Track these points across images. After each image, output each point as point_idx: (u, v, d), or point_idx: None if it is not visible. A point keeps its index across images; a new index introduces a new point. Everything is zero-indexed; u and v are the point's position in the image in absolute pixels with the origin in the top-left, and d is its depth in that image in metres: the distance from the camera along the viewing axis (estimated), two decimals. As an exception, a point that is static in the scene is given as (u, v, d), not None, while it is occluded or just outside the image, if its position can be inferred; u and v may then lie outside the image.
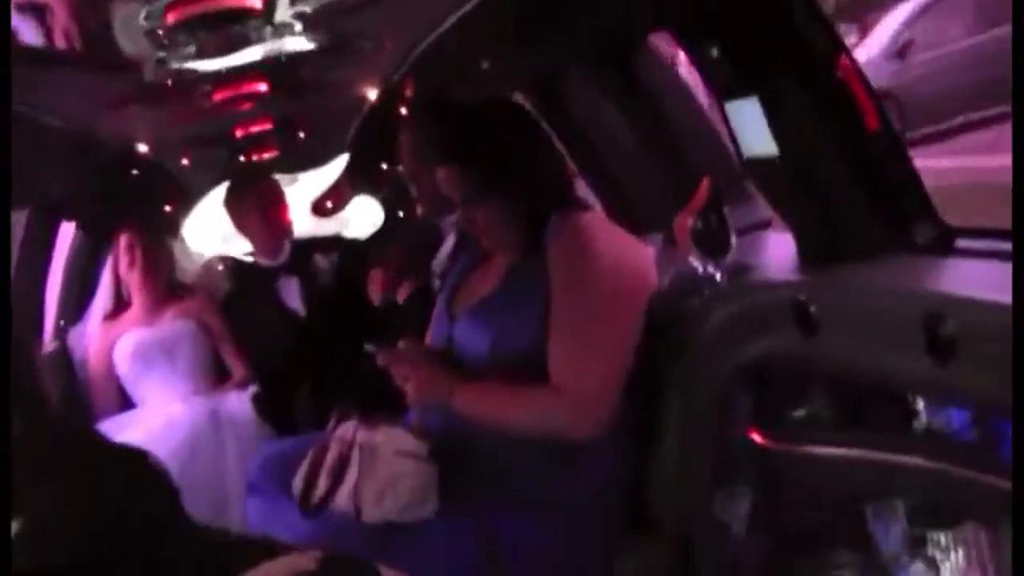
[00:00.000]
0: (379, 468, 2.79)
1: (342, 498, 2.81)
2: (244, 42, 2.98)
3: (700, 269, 2.70)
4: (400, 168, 3.93)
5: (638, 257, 2.79)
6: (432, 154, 3.02)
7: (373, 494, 2.77)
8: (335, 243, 5.16)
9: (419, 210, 3.88)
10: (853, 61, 2.34)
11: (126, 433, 4.27)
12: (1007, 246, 2.20)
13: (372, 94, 4.72)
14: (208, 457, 4.25)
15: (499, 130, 2.84)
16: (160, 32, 2.59)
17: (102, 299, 4.85)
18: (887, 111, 2.39)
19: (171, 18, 2.47)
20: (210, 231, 6.43)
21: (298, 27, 2.93)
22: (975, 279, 2.17)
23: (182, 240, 5.63)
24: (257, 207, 4.78)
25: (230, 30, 2.75)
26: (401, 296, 3.97)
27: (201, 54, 2.99)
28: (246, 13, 2.51)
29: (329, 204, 6.23)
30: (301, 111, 4.95)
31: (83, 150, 4.09)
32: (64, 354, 4.89)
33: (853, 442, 2.40)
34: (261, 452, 3.54)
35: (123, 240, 4.72)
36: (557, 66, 3.77)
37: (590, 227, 2.74)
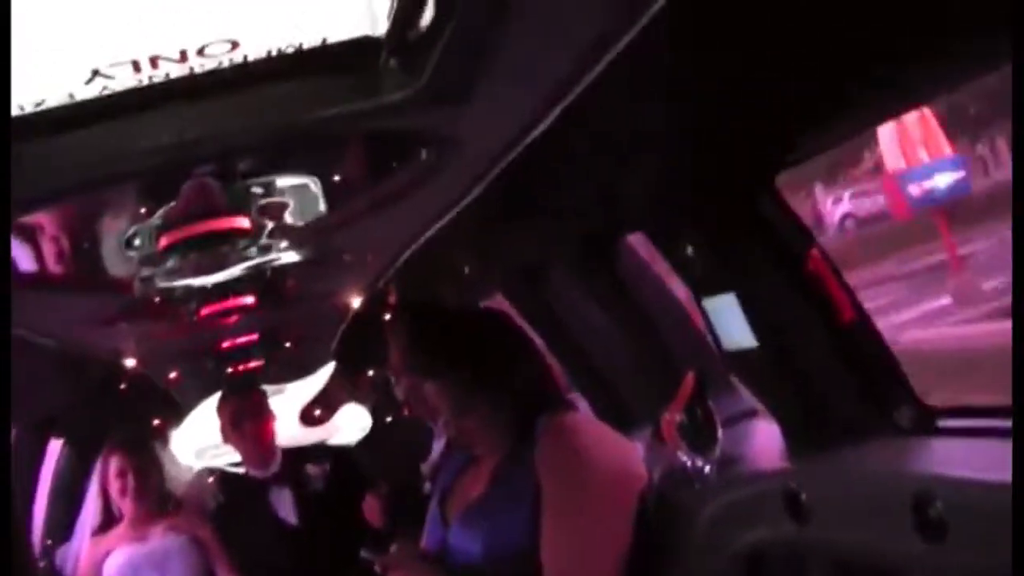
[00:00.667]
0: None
1: None
2: (231, 259, 3.05)
3: (689, 463, 2.73)
4: (387, 373, 3.97)
5: (625, 455, 2.83)
6: (418, 367, 3.08)
7: None
8: (326, 452, 5.18)
9: (407, 412, 3.90)
10: (824, 254, 2.42)
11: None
12: (988, 423, 2.24)
13: (356, 302, 4.79)
14: None
15: (481, 341, 2.91)
16: (150, 254, 2.65)
17: (90, 515, 4.82)
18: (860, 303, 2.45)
19: (163, 242, 2.53)
20: (200, 443, 6.43)
21: (283, 243, 3.00)
22: (959, 458, 2.20)
23: (171, 453, 5.62)
24: (245, 420, 4.80)
25: (219, 250, 2.81)
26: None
27: (189, 272, 3.06)
28: (236, 233, 2.57)
29: (317, 413, 6.26)
30: (287, 322, 5.01)
31: (73, 367, 4.13)
32: (53, 573, 4.84)
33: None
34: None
35: (113, 465, 4.71)
36: (536, 267, 3.85)
37: (576, 428, 2.79)
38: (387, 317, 4.59)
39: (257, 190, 2.57)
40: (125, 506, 4.70)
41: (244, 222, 2.56)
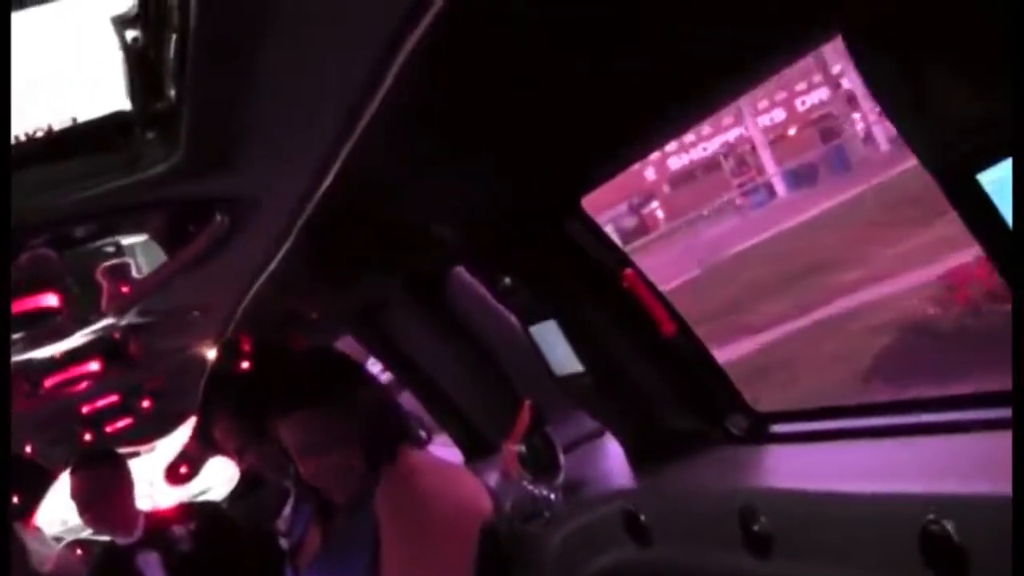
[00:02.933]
0: None
1: None
2: (68, 328, 2.98)
3: (536, 492, 2.70)
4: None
5: (466, 493, 2.79)
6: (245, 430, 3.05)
7: None
8: (190, 511, 5.07)
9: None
10: (639, 272, 2.42)
11: None
12: (819, 426, 2.26)
13: (210, 353, 4.72)
14: None
15: (332, 377, 2.86)
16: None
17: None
18: (679, 314, 2.46)
19: (-23, 323, 2.46)
20: (63, 515, 6.28)
21: (122, 307, 2.95)
22: (788, 466, 2.21)
23: (38, 530, 5.47)
24: (99, 499, 4.68)
25: (40, 327, 2.74)
26: None
27: (29, 345, 2.98)
28: (46, 313, 2.51)
29: (183, 470, 6.13)
30: (143, 380, 4.92)
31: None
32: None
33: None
34: None
35: None
36: (376, 305, 3.82)
37: (415, 469, 2.75)
38: (242, 363, 4.54)
39: (108, 249, 2.52)
40: None
41: (52, 299, 2.50)
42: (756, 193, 32.15)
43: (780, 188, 31.56)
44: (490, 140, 1.99)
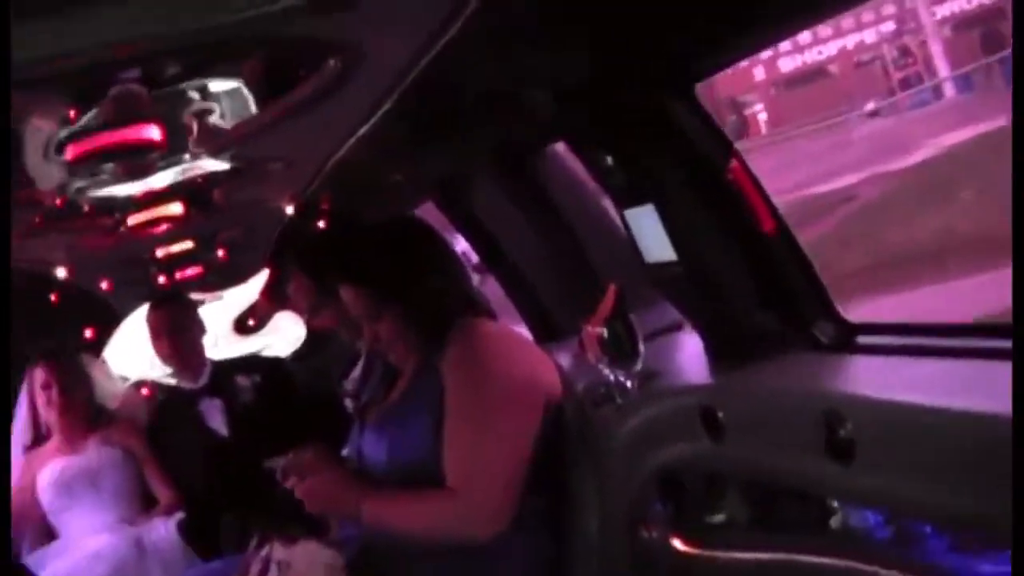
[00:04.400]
0: (296, 582, 2.81)
1: (262, 616, 2.82)
2: (155, 167, 2.99)
3: (611, 377, 2.70)
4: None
5: (533, 364, 2.82)
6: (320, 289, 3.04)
7: (292, 607, 2.78)
8: (256, 363, 5.14)
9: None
10: (744, 164, 2.38)
11: (52, 565, 4.20)
12: (907, 340, 2.23)
13: (289, 209, 4.74)
14: None
15: (391, 249, 2.89)
16: (65, 164, 2.59)
17: (22, 431, 4.77)
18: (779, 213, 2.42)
19: (69, 153, 2.47)
20: (133, 355, 6.37)
21: (208, 151, 2.95)
22: (875, 376, 2.18)
23: (104, 364, 5.55)
24: (175, 332, 4.76)
25: (141, 158, 2.75)
26: None
27: (113, 180, 2.99)
28: (147, 146, 2.51)
29: (251, 322, 6.21)
30: (219, 229, 4.94)
31: (-1, 279, 4.04)
32: (-13, 489, 4.79)
33: (769, 545, 2.39)
34: (191, 577, 3.54)
35: (38, 377, 4.65)
36: (464, 176, 3.80)
37: (483, 336, 2.78)
38: (320, 224, 4.57)
39: (186, 93, 2.51)
40: (52, 418, 4.65)
41: (155, 132, 2.49)
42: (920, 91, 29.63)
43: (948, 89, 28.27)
44: (619, 16, 1.95)
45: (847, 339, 2.37)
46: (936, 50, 30.28)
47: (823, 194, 17.24)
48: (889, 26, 33.58)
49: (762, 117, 35.11)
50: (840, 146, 21.21)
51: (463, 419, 2.68)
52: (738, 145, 2.44)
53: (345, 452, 3.17)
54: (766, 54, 31.91)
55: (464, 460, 2.67)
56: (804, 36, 31.72)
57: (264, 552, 2.97)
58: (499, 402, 2.68)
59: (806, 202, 15.69)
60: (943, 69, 29.61)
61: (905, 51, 33.59)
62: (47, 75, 1.82)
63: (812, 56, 35.53)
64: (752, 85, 35.55)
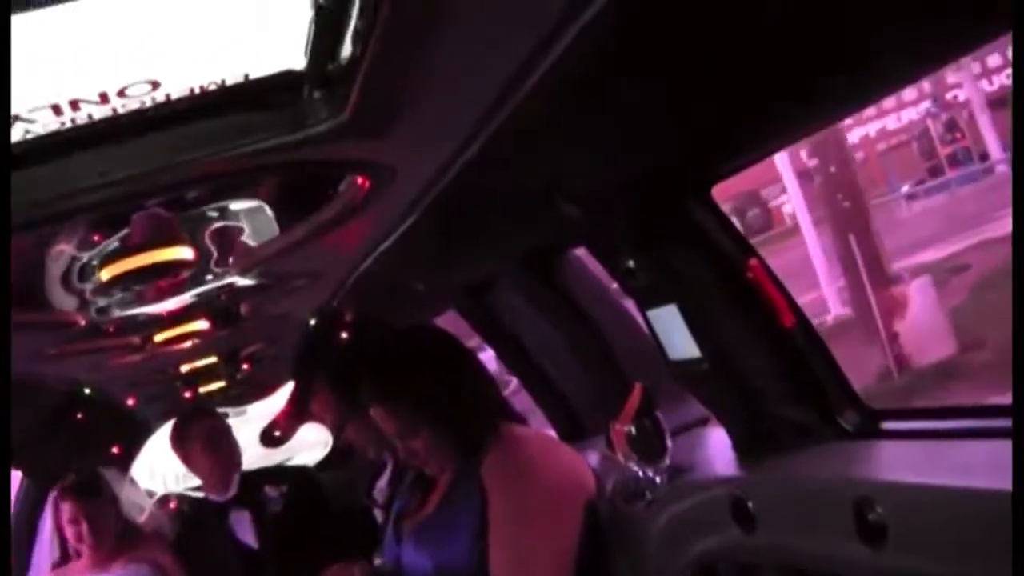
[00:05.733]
0: None
1: None
2: (183, 287, 3.06)
3: (640, 473, 2.74)
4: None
5: (572, 467, 2.86)
6: (345, 405, 3.11)
7: None
8: (283, 473, 5.18)
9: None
10: (762, 262, 2.44)
11: None
12: (931, 425, 2.27)
13: (311, 321, 4.81)
14: None
15: (420, 361, 2.93)
16: (96, 286, 2.66)
17: (47, 551, 4.80)
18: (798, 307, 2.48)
19: (105, 275, 2.54)
20: (160, 468, 6.41)
21: (234, 268, 3.02)
22: (902, 461, 2.22)
23: (132, 482, 5.58)
24: (204, 445, 4.81)
25: (168, 278, 2.82)
26: None
27: (141, 301, 3.06)
28: (178, 265, 2.58)
29: (277, 433, 6.24)
30: (243, 343, 5.02)
31: (28, 399, 4.10)
32: (12, 609, 4.81)
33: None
34: None
35: (65, 512, 4.62)
36: (485, 282, 3.87)
37: (522, 441, 2.82)
38: (342, 335, 4.62)
39: (212, 214, 2.59)
40: (82, 549, 4.66)
41: (187, 252, 2.57)
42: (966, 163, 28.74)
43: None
44: (636, 120, 2.02)
45: (872, 426, 2.41)
46: (984, 122, 28.70)
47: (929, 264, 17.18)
48: (924, 106, 32.77)
49: (787, 209, 34.74)
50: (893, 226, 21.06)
51: (509, 526, 2.71)
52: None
53: (378, 563, 3.19)
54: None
55: (513, 568, 2.69)
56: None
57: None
58: (545, 506, 2.72)
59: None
60: (992, 143, 28.17)
61: (951, 126, 32.43)
62: (66, 210, 1.87)
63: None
64: (774, 176, 35.27)
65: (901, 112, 32.66)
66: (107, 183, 1.72)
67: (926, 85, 30.27)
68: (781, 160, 21.17)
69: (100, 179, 1.70)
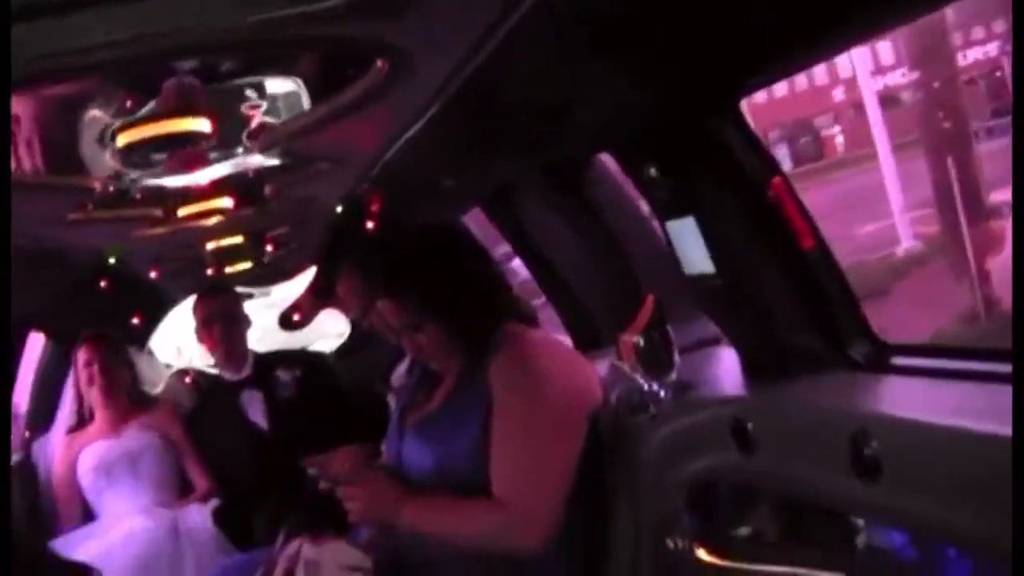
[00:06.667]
0: (323, 583, 2.82)
1: (289, 613, 2.84)
2: (206, 161, 3.04)
3: (645, 386, 2.72)
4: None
5: (578, 374, 2.83)
6: (371, 290, 3.08)
7: (316, 609, 2.79)
8: (298, 357, 5.19)
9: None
10: (786, 181, 2.39)
11: (86, 545, 4.26)
12: (943, 364, 2.23)
13: (337, 208, 4.78)
14: (165, 569, 4.23)
15: (431, 259, 2.90)
16: (118, 152, 2.64)
17: (66, 411, 4.86)
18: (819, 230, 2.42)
19: (121, 141, 2.52)
20: (177, 344, 6.45)
21: (261, 146, 2.99)
22: (905, 398, 2.19)
23: (149, 352, 5.63)
24: (220, 322, 4.81)
25: (189, 150, 2.79)
26: None
27: (165, 171, 3.04)
28: (196, 136, 2.55)
29: (296, 317, 6.26)
30: (268, 225, 5.00)
31: (52, 264, 4.11)
32: (28, 465, 4.88)
33: (793, 560, 2.40)
34: (216, 566, 3.57)
35: (81, 356, 4.74)
36: (511, 185, 3.83)
37: (530, 344, 2.79)
38: (368, 224, 4.60)
39: (235, 89, 2.56)
40: (94, 397, 4.72)
41: (204, 125, 2.54)
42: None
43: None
44: (665, 29, 1.96)
45: (882, 360, 2.37)
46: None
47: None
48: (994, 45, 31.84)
49: (840, 140, 34.17)
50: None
51: (514, 431, 2.69)
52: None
53: (383, 451, 3.19)
54: (845, 75, 31.11)
55: (514, 471, 2.68)
56: (888, 57, 30.75)
57: (292, 549, 2.98)
58: (551, 414, 2.70)
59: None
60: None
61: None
62: (96, 63, 1.84)
63: (896, 79, 33.71)
64: (829, 106, 34.71)
65: (967, 51, 31.80)
66: (111, 43, 1.68)
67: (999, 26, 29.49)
68: (863, 78, 20.61)
69: (104, 37, 1.66)
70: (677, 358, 2.67)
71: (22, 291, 4.39)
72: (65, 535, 4.47)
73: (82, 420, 4.81)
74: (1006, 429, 1.67)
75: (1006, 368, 2.03)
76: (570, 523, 2.73)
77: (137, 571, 4.06)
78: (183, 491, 4.81)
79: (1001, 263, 13.07)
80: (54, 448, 4.83)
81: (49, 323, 5.30)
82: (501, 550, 2.69)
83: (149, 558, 4.20)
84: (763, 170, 2.40)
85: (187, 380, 5.14)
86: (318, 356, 5.54)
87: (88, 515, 4.73)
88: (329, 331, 6.69)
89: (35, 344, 5.47)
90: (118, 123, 2.51)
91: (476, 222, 4.71)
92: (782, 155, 25.95)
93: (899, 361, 2.35)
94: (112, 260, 4.79)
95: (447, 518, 2.75)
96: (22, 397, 5.34)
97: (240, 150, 3.01)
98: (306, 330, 6.44)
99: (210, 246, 5.01)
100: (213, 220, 4.04)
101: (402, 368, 3.81)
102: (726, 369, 2.83)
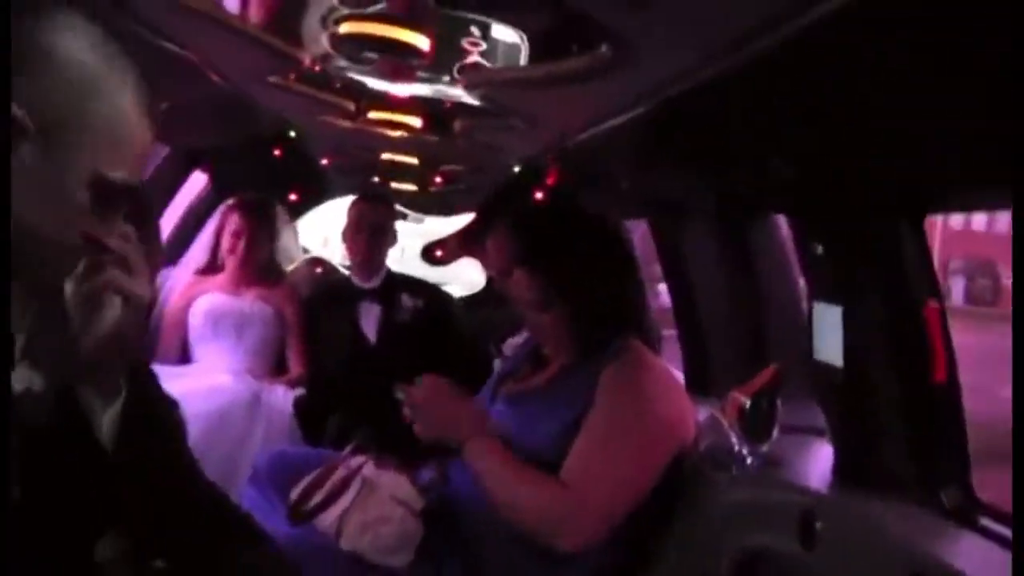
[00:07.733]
0: (372, 504, 2.86)
1: (328, 518, 2.89)
2: (414, 77, 3.08)
3: (736, 447, 2.71)
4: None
5: (681, 410, 2.83)
6: (516, 255, 3.10)
7: (357, 526, 2.83)
8: (427, 289, 5.22)
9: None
10: (942, 311, 2.34)
11: (171, 383, 4.35)
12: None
13: (516, 167, 4.81)
14: (234, 434, 4.31)
15: (580, 244, 2.90)
16: (336, 38, 2.69)
17: (198, 253, 4.99)
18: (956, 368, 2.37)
19: (342, 29, 2.57)
20: (325, 234, 6.55)
21: (468, 84, 3.03)
22: (982, 561, 2.13)
23: (295, 231, 5.74)
24: (369, 231, 4.88)
25: (401, 61, 2.84)
26: None
27: (373, 72, 3.10)
28: (412, 50, 2.59)
29: (439, 253, 6.31)
30: (446, 159, 5.06)
31: (239, 115, 4.21)
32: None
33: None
34: (280, 449, 3.63)
35: (231, 223, 4.88)
36: (683, 209, 3.81)
37: (647, 364, 2.80)
38: (538, 194, 4.62)
39: (474, 29, 2.59)
40: (230, 263, 4.85)
41: (424, 42, 2.58)
42: None
43: None
44: (881, 120, 1.93)
45: (971, 516, 2.31)
46: None
47: None
48: None
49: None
50: None
51: (603, 435, 2.71)
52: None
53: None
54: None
55: (588, 466, 2.68)
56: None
57: (356, 463, 3.03)
58: (643, 435, 2.70)
59: None
60: None
61: None
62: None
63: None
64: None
65: None
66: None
67: None
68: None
69: None
70: (776, 433, 2.65)
71: (204, 130, 4.52)
72: (157, 366, 4.59)
73: (211, 265, 4.95)
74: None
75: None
76: (613, 547, 2.73)
77: (207, 423, 4.11)
78: (278, 370, 4.93)
79: None
80: (176, 282, 4.96)
81: (216, 168, 5.45)
82: (543, 533, 2.68)
83: (223, 417, 4.28)
84: (924, 291, 2.36)
85: (318, 270, 5.23)
86: (446, 296, 5.57)
87: (184, 359, 4.88)
88: (464, 278, 6.73)
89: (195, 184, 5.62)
90: (346, 11, 2.55)
91: (637, 236, 4.70)
92: (957, 288, 25.26)
93: (985, 523, 2.29)
94: (292, 133, 4.90)
95: (509, 474, 2.75)
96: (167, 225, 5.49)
97: (447, 79, 3.04)
98: (443, 269, 6.51)
99: (385, 156, 5.07)
100: (397, 133, 4.10)
101: (518, 339, 3.83)
102: (818, 463, 2.78)
